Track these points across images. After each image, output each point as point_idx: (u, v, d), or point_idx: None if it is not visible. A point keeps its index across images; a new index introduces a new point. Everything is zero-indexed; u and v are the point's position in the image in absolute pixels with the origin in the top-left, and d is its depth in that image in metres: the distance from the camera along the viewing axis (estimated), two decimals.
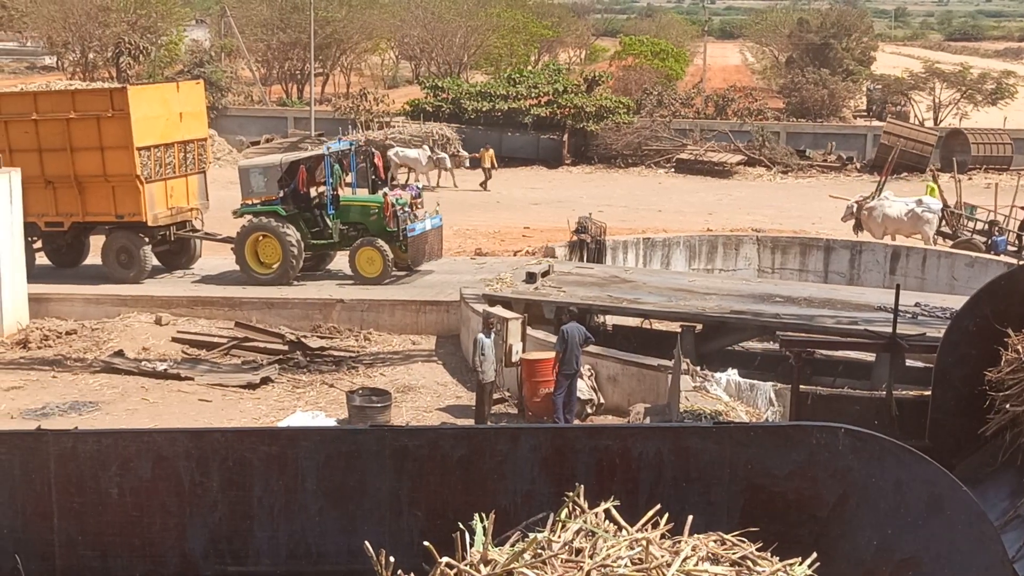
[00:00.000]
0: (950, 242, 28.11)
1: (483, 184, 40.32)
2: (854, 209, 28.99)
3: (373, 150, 26.10)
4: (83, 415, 17.29)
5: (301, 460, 6.90)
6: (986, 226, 28.50)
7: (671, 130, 48.83)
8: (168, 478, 7.00)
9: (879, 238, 28.07)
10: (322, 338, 21.12)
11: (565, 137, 47.41)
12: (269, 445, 6.95)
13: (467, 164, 41.54)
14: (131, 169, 22.72)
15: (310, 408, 17.54)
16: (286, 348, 20.46)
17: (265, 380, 18.99)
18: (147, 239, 23.53)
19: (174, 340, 20.90)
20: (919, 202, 28.69)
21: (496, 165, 42.05)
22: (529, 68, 61.79)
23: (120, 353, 20.02)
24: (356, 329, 21.57)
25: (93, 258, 24.70)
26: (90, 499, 7.01)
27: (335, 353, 20.47)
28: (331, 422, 16.59)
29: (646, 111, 51.37)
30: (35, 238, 24.07)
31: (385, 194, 23.80)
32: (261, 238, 23.17)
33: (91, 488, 7.00)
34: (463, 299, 20.85)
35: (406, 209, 23.46)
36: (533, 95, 49.26)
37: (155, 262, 23.92)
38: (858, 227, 29.15)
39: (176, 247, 24.67)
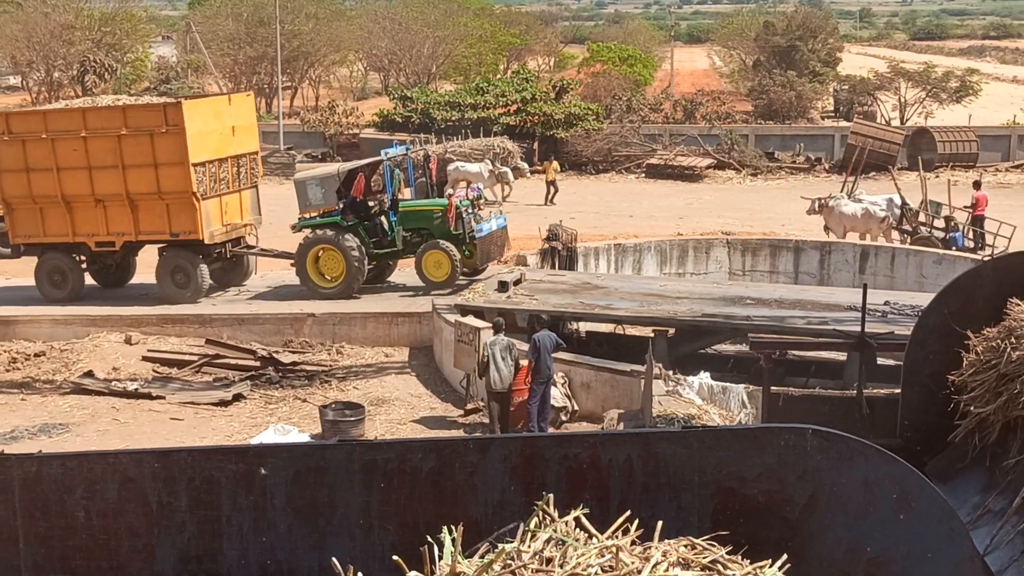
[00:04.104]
0: (909, 239, 28.44)
1: (550, 199, 39.07)
2: (817, 206, 29.29)
3: (430, 154, 25.55)
4: (53, 437, 17.13)
5: (269, 477, 6.83)
6: (943, 222, 28.88)
7: (641, 135, 48.98)
8: (135, 500, 6.92)
9: (840, 236, 28.35)
10: (294, 353, 21.03)
11: (535, 145, 47.46)
12: (236, 463, 6.88)
13: (528, 175, 40.76)
14: (187, 186, 22.16)
15: (283, 424, 17.44)
16: (258, 364, 20.36)
17: (237, 397, 18.88)
18: (203, 257, 23.07)
19: (144, 359, 20.76)
20: (891, 201, 28.96)
21: (559, 172, 41.20)
22: (498, 76, 61.88)
23: (90, 374, 19.87)
24: (328, 343, 21.48)
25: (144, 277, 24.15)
26: (56, 523, 6.93)
27: (307, 368, 20.39)
28: (304, 437, 16.50)
29: (615, 117, 51.54)
30: (83, 258, 23.63)
31: (449, 196, 23.38)
32: (322, 251, 22.78)
33: (57, 512, 6.92)
34: (435, 310, 20.81)
35: (470, 211, 23.03)
36: (501, 103, 49.31)
37: (210, 281, 23.45)
38: (827, 227, 29.46)
39: (229, 264, 24.16)
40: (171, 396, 18.99)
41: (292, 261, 23.38)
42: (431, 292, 22.27)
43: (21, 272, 25.38)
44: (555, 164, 40.88)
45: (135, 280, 24.61)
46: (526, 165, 41.69)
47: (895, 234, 28.66)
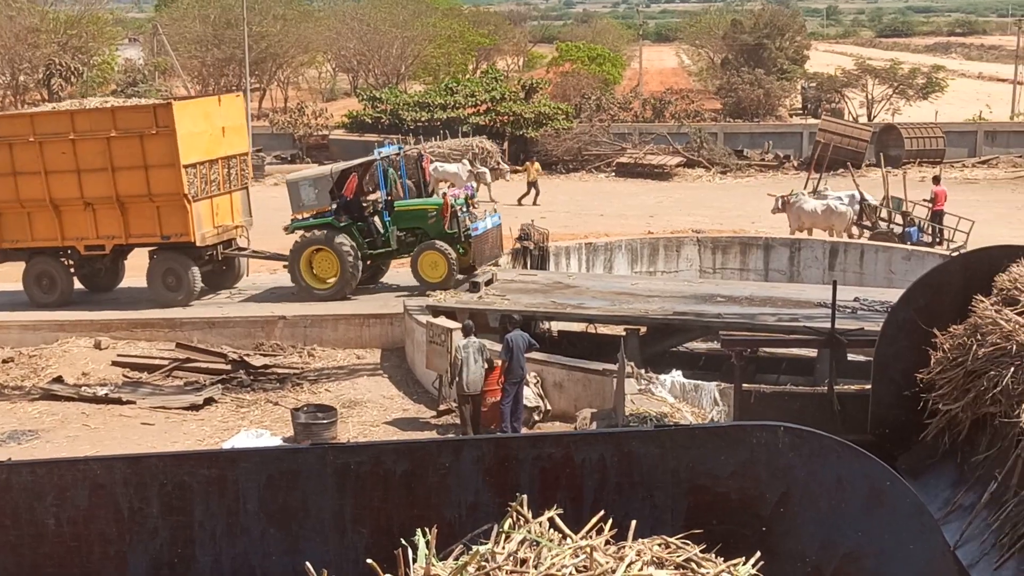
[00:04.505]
0: (869, 233, 28.89)
1: (528, 199, 38.23)
2: (780, 204, 29.60)
3: (423, 153, 25.13)
4: (23, 444, 17.00)
5: (241, 482, 6.79)
6: (899, 217, 29.35)
7: (610, 134, 49.09)
8: (106, 506, 6.87)
9: (799, 232, 28.69)
10: (265, 356, 20.94)
11: (505, 145, 47.48)
12: (208, 468, 6.84)
13: (507, 177, 40.60)
14: (178, 188, 21.89)
15: (255, 427, 17.36)
16: (229, 367, 20.26)
17: (208, 401, 18.79)
18: (194, 260, 22.78)
19: (114, 364, 20.61)
20: (853, 197, 29.33)
21: (540, 172, 40.82)
22: (467, 77, 61.82)
23: (59, 379, 19.71)
24: (300, 345, 21.39)
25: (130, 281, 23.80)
26: (26, 531, 6.86)
27: (279, 370, 20.30)
28: (276, 440, 16.46)
29: (585, 116, 51.62)
30: (71, 263, 23.29)
31: (444, 195, 23.16)
32: (315, 253, 22.54)
33: (27, 520, 6.85)
34: (407, 311, 20.77)
35: (464, 209, 22.76)
36: (471, 103, 49.27)
37: (202, 284, 23.13)
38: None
39: (220, 266, 23.90)
40: (142, 401, 18.87)
41: (285, 263, 23.18)
42: (427, 292, 21.96)
43: None
44: (536, 165, 40.72)
45: (123, 284, 24.35)
46: (507, 166, 41.58)
47: (854, 229, 29.11)
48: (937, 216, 29.31)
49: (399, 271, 23.84)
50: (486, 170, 39.25)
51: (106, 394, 19.06)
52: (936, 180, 31.02)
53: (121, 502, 6.86)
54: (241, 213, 24.04)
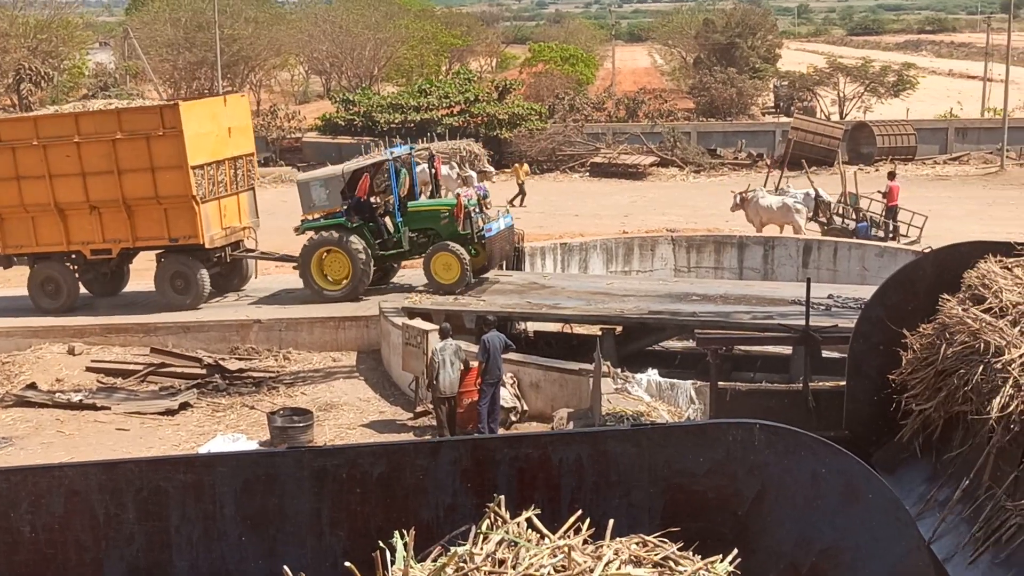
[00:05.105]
0: (824, 229, 29.33)
1: (516, 201, 38.08)
2: (737, 200, 29.88)
3: (434, 153, 24.92)
4: None
5: (218, 486, 6.77)
6: (853, 213, 29.73)
7: (584, 135, 49.19)
8: (82, 512, 6.83)
9: (758, 228, 28.93)
10: (240, 360, 20.86)
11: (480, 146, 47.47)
12: (184, 473, 6.81)
13: (494, 179, 40.56)
14: (186, 189, 21.64)
15: (231, 431, 17.30)
16: (204, 372, 20.17)
17: (184, 405, 18.70)
18: (203, 262, 22.54)
19: (88, 370, 20.49)
20: (808, 195, 29.73)
21: (528, 174, 40.65)
22: (440, 78, 61.80)
23: (33, 386, 19.57)
24: (275, 349, 21.31)
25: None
26: (1, 539, 6.81)
27: (254, 374, 20.23)
28: (253, 444, 16.40)
29: (558, 117, 51.69)
30: (76, 268, 22.99)
31: (458, 195, 22.86)
32: (326, 254, 22.34)
33: (2, 528, 6.80)
34: (382, 313, 20.74)
35: (477, 210, 22.43)
36: (444, 105, 49.25)
37: (210, 287, 22.87)
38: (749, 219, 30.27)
39: (228, 269, 23.66)
40: (116, 406, 18.77)
41: (294, 264, 23.02)
42: (442, 293, 21.61)
43: None
44: (525, 167, 40.67)
45: (128, 287, 24.21)
46: (493, 168, 41.59)
47: (812, 224, 29.54)
48: (891, 212, 29.70)
49: (410, 272, 23.68)
50: (472, 173, 39.24)
51: (80, 400, 18.95)
52: (891, 175, 31.47)
53: (97, 508, 6.82)
54: (248, 214, 23.87)
